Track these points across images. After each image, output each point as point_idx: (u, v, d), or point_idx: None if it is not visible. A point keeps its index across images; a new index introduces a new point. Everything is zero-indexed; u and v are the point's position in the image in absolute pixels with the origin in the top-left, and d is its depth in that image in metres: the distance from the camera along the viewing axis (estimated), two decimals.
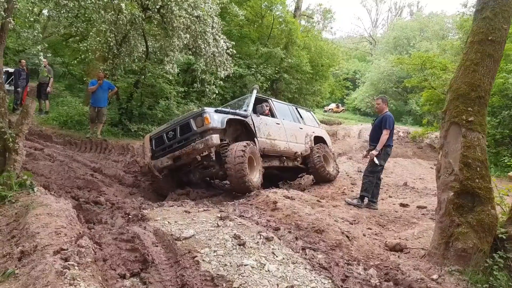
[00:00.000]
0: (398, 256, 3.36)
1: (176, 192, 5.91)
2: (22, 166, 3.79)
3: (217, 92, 10.10)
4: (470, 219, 2.94)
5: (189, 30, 8.23)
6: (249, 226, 3.46)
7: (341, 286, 2.54)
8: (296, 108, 7.82)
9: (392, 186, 7.29)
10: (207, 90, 9.77)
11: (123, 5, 7.18)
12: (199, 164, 5.64)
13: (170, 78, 10.36)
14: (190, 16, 8.06)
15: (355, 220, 4.38)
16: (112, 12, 7.88)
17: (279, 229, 3.53)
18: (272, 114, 6.76)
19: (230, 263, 2.61)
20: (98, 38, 8.38)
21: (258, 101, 6.50)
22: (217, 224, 3.36)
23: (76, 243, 2.43)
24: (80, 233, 2.71)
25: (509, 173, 8.38)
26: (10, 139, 3.50)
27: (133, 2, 8.69)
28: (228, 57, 9.07)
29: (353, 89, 35.83)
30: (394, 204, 5.72)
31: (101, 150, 8.21)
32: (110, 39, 8.44)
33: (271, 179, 7.02)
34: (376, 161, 5.19)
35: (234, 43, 9.40)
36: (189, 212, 3.89)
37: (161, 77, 10.14)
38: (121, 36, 8.73)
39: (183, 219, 3.58)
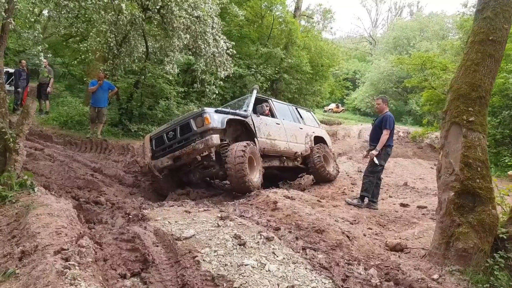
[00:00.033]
0: (399, 256, 3.36)
1: (176, 192, 5.92)
2: (22, 166, 3.79)
3: (217, 92, 10.10)
4: (471, 219, 2.94)
5: (189, 30, 8.23)
6: (249, 226, 3.46)
7: (342, 286, 2.54)
8: (296, 108, 7.82)
9: (392, 186, 7.29)
10: (207, 90, 9.78)
11: (123, 5, 7.18)
12: (199, 164, 5.64)
13: (170, 78, 10.36)
14: (190, 17, 8.07)
15: (355, 220, 4.38)
16: (113, 12, 7.88)
17: (280, 229, 3.53)
18: (272, 114, 6.76)
19: (230, 263, 2.61)
20: (98, 39, 8.39)
21: (258, 101, 6.50)
22: (218, 224, 3.36)
23: (76, 243, 2.43)
24: (80, 233, 2.71)
25: (508, 172, 8.38)
26: (11, 139, 3.50)
27: (133, 2, 8.69)
28: (228, 57, 9.07)
29: (353, 89, 35.84)
30: (394, 204, 5.72)
31: (101, 150, 8.21)
32: (110, 40, 8.44)
33: (271, 179, 7.02)
34: (376, 161, 5.19)
35: (234, 43, 9.40)
36: (190, 212, 3.89)
37: (161, 78, 10.15)
38: (121, 37, 8.73)
39: (184, 219, 3.58)
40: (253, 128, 5.92)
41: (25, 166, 4.88)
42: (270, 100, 7.04)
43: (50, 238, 2.41)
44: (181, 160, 5.60)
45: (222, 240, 2.99)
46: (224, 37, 9.06)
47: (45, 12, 13.13)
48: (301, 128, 7.26)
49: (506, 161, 9.24)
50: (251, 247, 2.93)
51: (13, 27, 4.63)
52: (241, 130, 6.14)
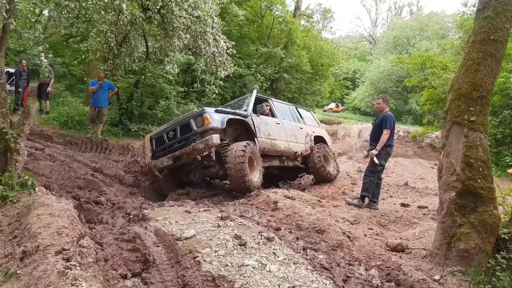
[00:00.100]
0: (400, 257, 3.36)
1: (176, 192, 5.92)
2: (23, 166, 3.79)
3: (217, 92, 10.10)
4: (473, 219, 2.94)
5: (189, 30, 8.23)
6: (249, 226, 3.45)
7: (343, 286, 2.53)
8: (296, 108, 7.82)
9: (393, 186, 7.29)
10: (207, 90, 9.78)
11: (124, 5, 7.17)
12: (199, 164, 5.64)
13: (170, 78, 10.36)
14: (190, 17, 8.07)
15: (356, 220, 4.38)
16: (113, 12, 7.88)
17: (280, 229, 3.53)
18: (272, 114, 6.76)
19: (231, 264, 2.61)
20: (99, 39, 8.39)
21: (258, 101, 6.50)
22: (218, 224, 3.36)
23: (77, 243, 2.43)
24: (81, 233, 2.71)
25: (509, 170, 8.37)
26: (12, 140, 3.50)
27: (133, 2, 8.69)
28: (228, 57, 9.07)
29: (353, 88, 35.80)
30: (395, 204, 5.72)
31: (102, 150, 8.22)
32: (110, 40, 8.44)
33: (271, 179, 7.01)
34: (376, 161, 5.19)
35: (234, 43, 9.40)
36: (190, 212, 3.89)
37: (161, 77, 10.15)
38: (121, 37, 8.73)
39: (184, 219, 3.58)
40: (253, 128, 5.92)
41: (26, 166, 4.87)
42: (270, 100, 7.03)
43: (51, 238, 2.40)
44: (181, 160, 5.60)
45: (222, 240, 2.98)
46: (224, 37, 9.06)
47: (46, 12, 13.12)
48: (301, 128, 7.26)
49: (507, 160, 9.24)
50: (251, 247, 2.92)
51: (14, 27, 4.63)
52: (241, 130, 6.14)
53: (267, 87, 15.61)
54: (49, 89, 10.71)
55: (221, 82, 9.83)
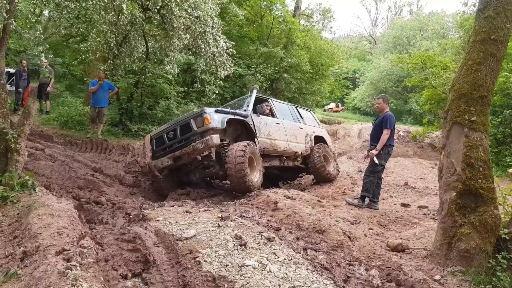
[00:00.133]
0: (400, 257, 3.36)
1: (176, 192, 5.91)
2: (23, 167, 3.79)
3: (217, 92, 10.10)
4: (473, 219, 2.94)
5: (189, 30, 8.23)
6: (250, 226, 3.45)
7: (343, 287, 2.53)
8: (296, 108, 7.82)
9: (393, 186, 7.28)
10: (207, 90, 9.78)
11: (124, 6, 7.17)
12: (200, 164, 5.64)
13: (170, 78, 10.36)
14: (190, 17, 8.06)
15: (356, 220, 4.38)
16: (113, 13, 7.88)
17: (280, 229, 3.53)
18: (272, 114, 6.76)
19: (231, 264, 2.61)
20: (99, 39, 8.39)
21: (258, 101, 6.50)
22: (218, 224, 3.36)
23: (78, 243, 2.43)
24: (82, 233, 2.71)
25: (509, 170, 8.37)
26: (12, 140, 3.50)
27: (133, 2, 8.69)
28: (228, 57, 9.07)
29: (353, 88, 35.80)
30: (395, 204, 5.72)
31: (102, 150, 8.22)
32: (110, 40, 8.44)
33: (271, 179, 7.01)
34: (376, 161, 5.19)
35: (234, 43, 9.40)
36: (190, 212, 3.89)
37: (161, 77, 10.14)
38: (121, 37, 8.73)
39: (184, 219, 3.58)
40: (253, 128, 5.91)
41: (26, 166, 4.87)
42: (270, 100, 7.03)
43: (51, 238, 2.40)
44: (181, 160, 5.59)
45: (223, 240, 2.98)
46: (224, 37, 9.06)
47: (46, 12, 13.12)
48: (301, 128, 7.25)
49: (507, 160, 9.23)
50: (252, 247, 2.92)
51: (14, 27, 4.63)
52: (241, 130, 6.13)
53: (267, 87, 15.61)
54: (49, 89, 10.71)
55: (221, 82, 9.83)
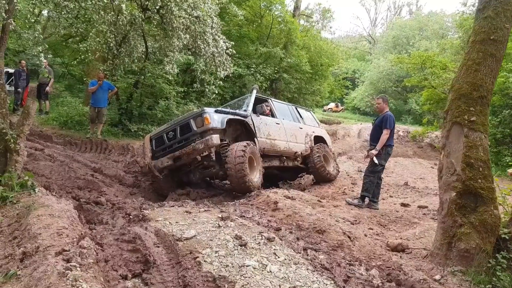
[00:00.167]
0: (400, 257, 3.36)
1: (176, 192, 5.91)
2: (23, 167, 3.78)
3: (216, 92, 10.10)
4: (473, 219, 2.94)
5: (188, 30, 8.23)
6: (250, 226, 3.45)
7: (343, 287, 2.53)
8: (296, 108, 7.82)
9: (393, 185, 7.29)
10: (207, 90, 9.78)
11: (123, 6, 7.17)
12: (199, 164, 5.64)
13: (170, 78, 10.35)
14: (190, 17, 8.06)
15: (356, 220, 4.38)
16: (112, 13, 7.87)
17: (280, 229, 3.53)
18: (272, 114, 6.76)
19: (232, 264, 2.60)
20: (98, 39, 8.38)
21: (257, 101, 6.50)
22: (218, 224, 3.36)
23: (78, 244, 2.42)
24: (81, 234, 2.70)
25: (508, 170, 8.38)
26: (12, 140, 3.49)
27: (132, 2, 8.68)
28: (228, 57, 9.07)
29: (353, 88, 35.83)
30: (395, 204, 5.72)
31: (101, 150, 8.21)
32: (110, 40, 8.43)
33: (271, 179, 7.01)
34: (376, 161, 5.19)
35: (233, 43, 9.40)
36: (190, 213, 3.88)
37: (160, 77, 10.14)
38: (120, 37, 8.72)
39: (184, 219, 3.57)
40: (253, 128, 5.91)
41: (26, 166, 4.86)
42: (270, 100, 7.03)
43: (51, 239, 2.40)
44: (181, 160, 5.59)
45: (223, 240, 2.98)
46: (224, 37, 9.06)
47: (45, 12, 13.11)
48: (301, 128, 7.26)
49: (507, 160, 9.25)
50: (252, 247, 2.92)
51: (13, 27, 4.62)
52: (241, 130, 6.13)
53: (267, 87, 15.62)
54: (48, 88, 10.69)
55: (221, 82, 9.83)
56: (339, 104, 35.44)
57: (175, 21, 7.87)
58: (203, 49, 8.46)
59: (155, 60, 10.14)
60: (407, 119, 28.20)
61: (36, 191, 3.42)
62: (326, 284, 2.52)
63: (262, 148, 5.95)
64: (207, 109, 5.53)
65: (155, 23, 8.50)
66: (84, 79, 11.84)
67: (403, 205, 5.49)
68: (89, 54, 8.57)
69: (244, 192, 5.24)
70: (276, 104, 7.11)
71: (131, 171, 7.02)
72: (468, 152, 3.03)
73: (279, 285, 2.42)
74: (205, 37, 8.38)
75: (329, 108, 33.59)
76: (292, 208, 4.17)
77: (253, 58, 15.51)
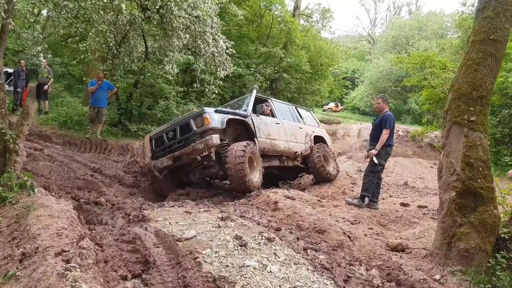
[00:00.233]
0: (400, 256, 3.36)
1: (176, 192, 5.90)
2: (22, 167, 3.77)
3: (216, 92, 10.10)
4: (473, 219, 2.94)
5: (188, 30, 8.23)
6: (250, 226, 3.45)
7: (344, 287, 2.53)
8: (296, 108, 7.82)
9: (393, 185, 7.29)
10: (207, 90, 9.78)
11: (123, 5, 7.16)
12: (199, 164, 5.63)
13: (170, 78, 10.35)
14: (190, 16, 8.06)
15: (356, 220, 4.38)
16: (112, 12, 7.87)
17: (280, 229, 3.52)
18: (272, 114, 6.76)
19: (232, 264, 2.60)
20: (98, 39, 8.37)
21: (257, 101, 6.50)
22: (218, 224, 3.35)
23: (77, 244, 2.42)
24: (81, 234, 2.70)
25: (509, 171, 8.38)
26: (11, 140, 3.48)
27: (132, 2, 8.68)
28: (228, 57, 9.07)
29: (352, 88, 35.85)
30: (394, 203, 5.72)
31: (101, 150, 8.20)
32: (109, 40, 8.43)
33: (271, 179, 7.01)
34: (376, 161, 5.19)
35: (233, 43, 9.40)
36: (190, 213, 3.88)
37: (160, 77, 10.14)
38: (120, 37, 8.72)
39: (184, 219, 3.57)
40: (253, 128, 5.91)
41: (25, 166, 4.86)
42: (269, 100, 7.03)
43: (50, 239, 2.39)
44: (181, 160, 5.58)
45: (223, 241, 2.98)
46: (224, 37, 9.06)
47: (44, 12, 13.09)
48: (301, 128, 7.26)
49: (506, 160, 9.25)
50: (252, 248, 2.92)
51: (12, 27, 4.62)
52: (241, 130, 6.13)
53: (267, 87, 15.61)
54: (46, 87, 10.66)
55: (221, 82, 9.83)
56: (339, 104, 35.46)
57: (175, 21, 7.87)
58: (203, 49, 8.46)
59: (155, 60, 10.13)
60: (406, 119, 28.22)
61: (36, 192, 3.42)
62: (326, 284, 2.52)
63: (262, 148, 5.94)
64: (207, 109, 5.52)
65: (155, 23, 8.50)
66: (84, 79, 11.83)
67: (402, 204, 5.50)
68: (89, 54, 8.57)
69: (244, 192, 5.24)
70: (276, 104, 7.11)
71: (130, 171, 7.02)
72: (467, 152, 3.03)
73: (279, 285, 2.42)
74: (205, 37, 8.38)
75: (328, 108, 33.60)
76: (292, 208, 4.17)
77: (253, 58, 15.51)
